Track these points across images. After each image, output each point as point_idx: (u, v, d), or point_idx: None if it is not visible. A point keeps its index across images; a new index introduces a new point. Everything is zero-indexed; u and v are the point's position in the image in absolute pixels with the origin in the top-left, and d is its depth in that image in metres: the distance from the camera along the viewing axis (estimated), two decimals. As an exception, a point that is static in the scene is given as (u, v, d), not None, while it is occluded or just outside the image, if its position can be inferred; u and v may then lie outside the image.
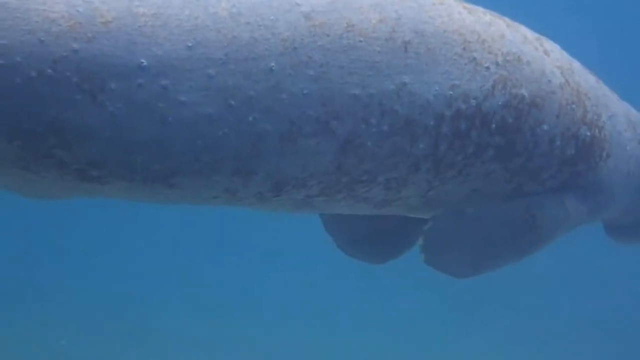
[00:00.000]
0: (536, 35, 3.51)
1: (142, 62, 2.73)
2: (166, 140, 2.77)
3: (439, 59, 3.09)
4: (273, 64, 2.85)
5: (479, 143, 3.19)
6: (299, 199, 3.12)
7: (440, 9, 3.20)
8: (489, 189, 3.33)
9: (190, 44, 2.78)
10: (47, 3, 2.71)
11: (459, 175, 3.23)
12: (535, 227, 3.42)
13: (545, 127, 3.30)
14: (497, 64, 3.21)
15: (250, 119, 2.83)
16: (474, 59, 3.16)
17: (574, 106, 3.39)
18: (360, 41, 2.97)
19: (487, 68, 3.18)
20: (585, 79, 3.54)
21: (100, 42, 2.70)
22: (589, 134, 3.44)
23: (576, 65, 3.57)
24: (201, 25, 2.82)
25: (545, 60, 3.39)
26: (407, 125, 3.03)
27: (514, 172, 3.32)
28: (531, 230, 3.42)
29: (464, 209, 3.38)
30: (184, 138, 2.78)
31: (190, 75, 2.77)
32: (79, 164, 2.76)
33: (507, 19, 3.44)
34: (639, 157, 3.72)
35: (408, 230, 3.75)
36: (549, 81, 3.34)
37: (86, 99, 2.68)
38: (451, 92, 3.09)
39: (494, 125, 3.19)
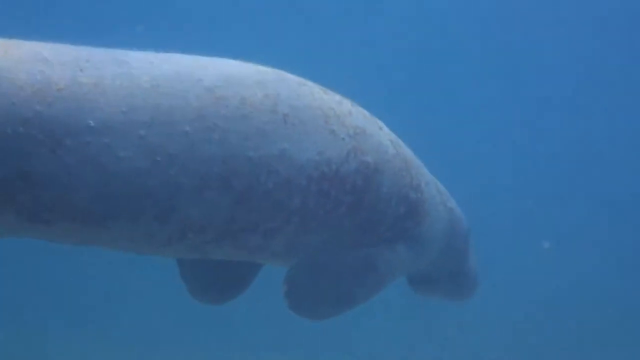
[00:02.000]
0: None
1: (90, 123, 3.35)
2: (107, 188, 3.38)
3: (308, 129, 3.86)
4: (188, 128, 3.54)
5: (336, 200, 3.96)
6: (195, 245, 3.76)
7: (304, 89, 3.99)
8: (338, 239, 4.07)
9: (124, 109, 3.43)
10: (13, 71, 3.29)
11: (318, 227, 3.98)
12: (376, 270, 4.20)
13: (385, 189, 4.11)
14: (350, 136, 4.01)
15: (171, 172, 3.49)
16: (333, 130, 3.97)
17: (404, 173, 4.23)
18: (252, 112, 3.71)
19: (343, 139, 3.98)
20: (408, 151, 4.42)
21: (58, 105, 3.30)
22: (415, 196, 4.29)
23: (399, 139, 4.44)
24: (131, 94, 3.48)
25: (381, 133, 4.23)
26: (286, 184, 3.77)
27: (359, 225, 4.10)
28: (372, 272, 4.19)
29: (317, 258, 4.08)
30: (121, 187, 3.41)
31: (126, 135, 3.41)
32: (35, 207, 3.32)
33: (348, 100, 4.27)
34: (445, 218, 4.62)
35: (244, 274, 4.42)
36: (386, 151, 4.15)
37: (48, 152, 3.28)
38: (318, 158, 3.86)
39: (348, 186, 3.98)
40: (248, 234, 3.80)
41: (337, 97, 4.14)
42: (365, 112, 4.28)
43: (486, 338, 10.43)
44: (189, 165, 3.53)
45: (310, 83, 4.08)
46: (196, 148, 3.54)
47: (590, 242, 12.93)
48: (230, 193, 3.64)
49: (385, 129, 4.32)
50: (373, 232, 4.16)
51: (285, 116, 3.80)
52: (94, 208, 3.40)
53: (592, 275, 12.26)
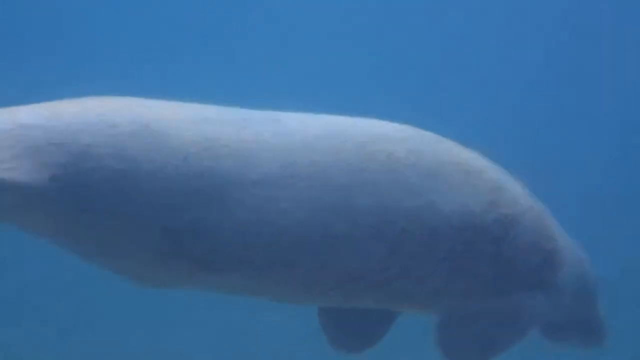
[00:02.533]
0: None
1: (254, 177, 3.54)
2: (271, 238, 3.56)
3: (451, 183, 4.00)
4: (343, 181, 3.72)
5: (477, 250, 4.07)
6: (349, 293, 3.92)
7: (444, 145, 4.17)
8: (479, 287, 4.22)
9: (284, 164, 3.63)
10: (183, 130, 3.51)
11: (462, 275, 4.09)
12: (519, 319, 4.28)
13: (521, 239, 4.22)
14: (488, 189, 4.14)
15: (329, 223, 3.66)
16: (474, 184, 4.10)
17: (538, 224, 4.33)
18: (399, 166, 3.88)
19: (482, 192, 4.10)
20: (539, 203, 4.53)
21: (226, 161, 3.50)
22: (550, 246, 4.39)
23: (530, 192, 4.57)
24: (289, 151, 3.68)
25: (515, 187, 4.36)
26: (434, 233, 3.90)
27: (498, 274, 4.21)
28: (516, 321, 4.29)
29: (467, 307, 4.20)
30: (283, 237, 3.58)
31: (286, 188, 3.60)
32: (206, 257, 3.50)
33: (482, 155, 4.43)
34: (577, 266, 4.70)
35: (381, 323, 4.51)
36: (521, 204, 4.28)
37: (217, 205, 3.48)
38: (461, 210, 3.99)
39: (488, 237, 4.10)
40: (400, 281, 3.94)
41: (473, 153, 4.31)
42: (498, 167, 4.43)
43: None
44: (345, 217, 3.69)
45: (447, 140, 4.25)
46: (351, 200, 3.71)
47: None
48: (384, 242, 3.79)
49: (518, 183, 4.46)
50: (511, 281, 4.26)
51: (429, 170, 3.97)
52: (258, 257, 3.58)
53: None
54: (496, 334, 4.27)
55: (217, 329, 9.65)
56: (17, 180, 3.27)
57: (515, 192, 4.30)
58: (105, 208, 3.39)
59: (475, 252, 4.07)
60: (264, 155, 3.61)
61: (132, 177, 3.39)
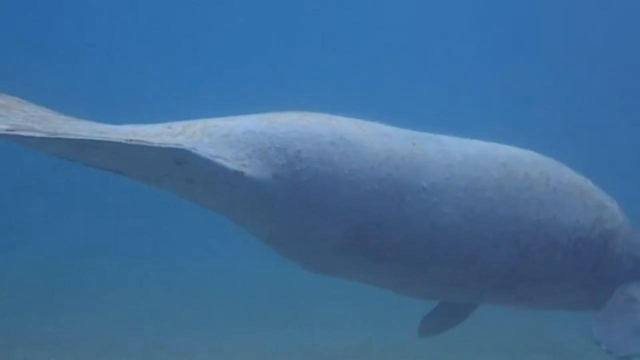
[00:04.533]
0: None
1: (424, 185, 4.23)
2: (434, 236, 4.25)
3: (570, 201, 4.71)
4: (491, 194, 4.41)
5: (584, 258, 4.76)
6: (480, 289, 4.62)
7: (563, 169, 4.86)
8: (581, 289, 4.90)
9: (447, 176, 4.32)
10: (369, 143, 4.20)
11: (568, 280, 4.78)
12: None
13: (618, 249, 4.93)
14: (595, 207, 4.85)
15: (478, 228, 4.35)
16: (585, 203, 4.80)
17: (631, 236, 5.04)
18: (532, 184, 4.58)
19: (591, 209, 4.81)
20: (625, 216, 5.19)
21: (403, 170, 4.20)
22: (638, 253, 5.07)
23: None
24: (450, 165, 4.37)
25: (612, 205, 5.04)
26: (554, 243, 4.60)
27: (599, 278, 4.90)
28: None
29: (616, 303, 4.90)
30: (442, 236, 4.27)
31: (448, 196, 4.29)
32: (380, 250, 4.20)
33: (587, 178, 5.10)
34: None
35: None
36: (619, 219, 4.99)
37: (395, 206, 4.17)
38: (576, 224, 4.70)
39: (594, 247, 4.79)
40: (522, 282, 4.65)
41: (581, 176, 4.99)
42: (599, 188, 5.13)
43: None
44: (491, 224, 4.38)
45: (564, 165, 4.95)
46: (496, 210, 4.41)
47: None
48: (518, 247, 4.49)
49: (612, 199, 5.15)
50: (609, 284, 4.99)
51: (555, 189, 4.67)
52: (420, 251, 4.27)
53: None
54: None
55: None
56: (252, 175, 3.96)
57: (614, 209, 5.01)
58: (312, 202, 4.06)
59: (581, 261, 4.78)
60: (430, 168, 4.29)
61: (333, 178, 4.07)
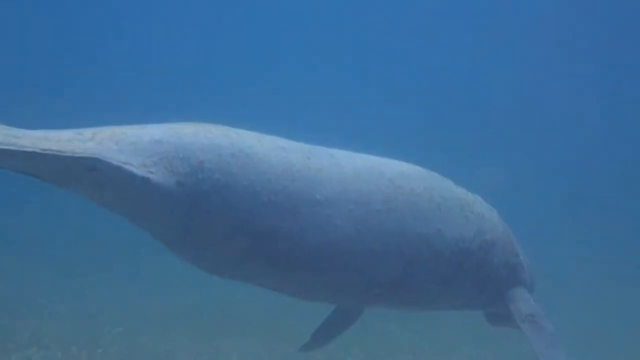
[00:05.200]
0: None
1: (318, 197, 4.55)
2: (326, 247, 4.58)
3: (453, 215, 5.07)
4: (379, 207, 4.73)
5: (466, 269, 5.14)
6: (370, 296, 4.99)
7: (446, 183, 5.24)
8: (464, 294, 5.30)
9: (339, 190, 4.63)
10: (267, 156, 4.51)
11: (452, 288, 5.19)
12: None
13: (496, 259, 5.32)
14: (476, 219, 5.22)
15: (368, 240, 4.66)
16: (467, 216, 5.17)
17: (509, 244, 5.47)
18: (418, 200, 4.92)
19: (472, 222, 5.19)
20: (506, 226, 5.59)
21: (298, 183, 4.52)
22: (515, 260, 5.52)
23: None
24: (342, 180, 4.69)
25: (492, 215, 5.44)
26: (438, 255, 4.95)
27: (477, 286, 5.29)
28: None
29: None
30: (334, 247, 4.59)
31: (340, 209, 4.61)
32: (277, 257, 4.51)
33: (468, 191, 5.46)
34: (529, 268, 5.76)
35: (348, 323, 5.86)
36: (498, 229, 5.39)
37: (290, 217, 4.47)
38: (458, 237, 5.06)
39: (473, 258, 5.16)
40: (409, 291, 5.02)
41: (463, 189, 5.37)
42: (480, 198, 5.51)
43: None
44: (378, 236, 4.72)
45: (446, 179, 5.32)
46: (384, 223, 4.74)
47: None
48: (403, 259, 4.84)
49: (492, 210, 5.55)
50: (487, 291, 5.40)
51: (439, 204, 5.03)
52: (315, 260, 4.59)
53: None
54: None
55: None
56: (157, 182, 4.22)
57: (493, 220, 5.41)
58: (211, 209, 4.34)
59: (463, 272, 5.16)
60: (325, 181, 4.61)
61: (232, 188, 4.36)
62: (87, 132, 4.27)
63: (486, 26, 28.47)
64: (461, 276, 5.18)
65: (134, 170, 4.18)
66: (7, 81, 22.94)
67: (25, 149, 3.86)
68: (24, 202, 15.47)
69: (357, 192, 4.72)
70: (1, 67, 24.99)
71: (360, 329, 6.23)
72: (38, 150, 3.88)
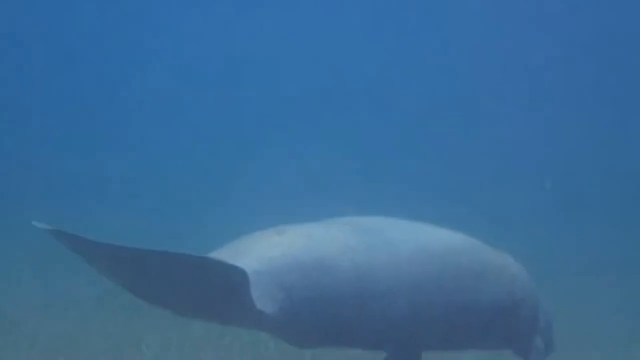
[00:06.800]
0: None
1: (380, 288, 5.38)
2: (386, 326, 5.48)
3: (491, 283, 5.94)
4: (429, 287, 5.57)
5: (500, 325, 6.06)
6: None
7: (486, 252, 6.11)
8: (499, 342, 6.25)
9: (396, 279, 5.46)
10: (337, 262, 5.33)
11: (489, 337, 6.11)
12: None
13: (524, 313, 6.18)
14: (508, 282, 6.09)
15: (420, 315, 5.54)
16: (502, 282, 6.06)
17: (534, 300, 6.32)
18: (462, 274, 5.78)
19: (505, 285, 6.06)
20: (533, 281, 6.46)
21: (364, 282, 5.37)
22: (538, 314, 6.43)
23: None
24: (397, 266, 5.51)
25: (521, 274, 6.29)
26: (477, 316, 5.85)
27: (509, 335, 6.20)
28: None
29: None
30: (395, 326, 5.48)
31: (399, 295, 5.45)
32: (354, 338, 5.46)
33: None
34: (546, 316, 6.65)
35: None
36: (527, 288, 6.26)
37: (359, 310, 5.33)
38: (494, 299, 5.97)
39: (506, 315, 6.05)
40: (451, 344, 5.99)
41: (498, 252, 6.20)
42: (511, 259, 6.31)
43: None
44: (430, 309, 5.55)
45: (485, 245, 6.12)
46: (433, 300, 5.57)
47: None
48: (449, 324, 5.69)
49: (522, 268, 6.37)
50: (512, 336, 6.27)
51: (479, 275, 5.85)
52: (380, 335, 5.47)
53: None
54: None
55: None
56: (267, 310, 5.00)
57: (522, 279, 6.25)
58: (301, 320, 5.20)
59: (496, 325, 6.03)
60: (382, 273, 5.39)
61: (320, 302, 5.20)
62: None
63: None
64: (494, 329, 6.05)
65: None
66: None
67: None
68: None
69: (410, 277, 5.49)
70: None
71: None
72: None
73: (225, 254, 5.21)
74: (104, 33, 31.17)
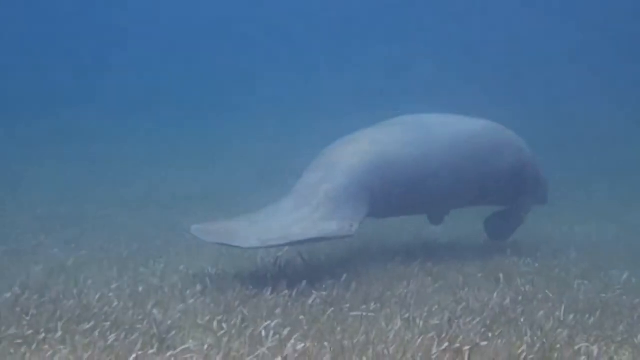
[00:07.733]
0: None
1: (433, 167, 7.87)
2: (440, 192, 8.05)
3: (508, 155, 8.46)
4: (466, 164, 8.05)
5: (511, 183, 8.51)
6: (461, 204, 8.50)
7: (505, 132, 8.61)
8: (510, 197, 8.69)
9: (441, 160, 7.95)
10: (402, 150, 7.54)
11: (505, 192, 8.59)
12: (526, 209, 8.91)
13: (530, 174, 8.72)
14: (517, 151, 8.61)
15: (461, 183, 8.06)
16: (513, 151, 8.57)
17: (537, 163, 8.82)
18: (488, 153, 8.31)
19: (515, 153, 8.57)
20: (534, 153, 8.86)
21: (420, 168, 7.83)
22: (540, 175, 8.91)
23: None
24: (443, 153, 7.96)
25: (524, 145, 8.70)
26: (497, 179, 8.35)
27: (517, 191, 8.64)
28: (525, 209, 8.89)
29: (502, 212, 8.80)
30: (446, 190, 8.03)
31: (446, 171, 7.88)
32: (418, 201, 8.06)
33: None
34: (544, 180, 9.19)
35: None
36: (529, 154, 8.74)
37: (422, 184, 7.84)
38: (508, 165, 8.50)
39: (517, 176, 8.52)
40: (482, 198, 8.44)
41: (511, 132, 8.63)
42: (517, 136, 8.75)
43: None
44: (464, 179, 8.05)
45: (504, 127, 8.59)
46: (468, 173, 8.06)
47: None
48: (478, 186, 8.20)
49: (525, 143, 8.75)
50: (521, 193, 8.69)
51: (500, 152, 8.33)
52: (433, 199, 7.98)
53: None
54: (517, 218, 8.81)
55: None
56: (362, 216, 7.27)
57: (526, 150, 8.66)
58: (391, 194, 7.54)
59: (510, 183, 8.46)
60: (434, 157, 7.77)
61: (390, 187, 7.54)
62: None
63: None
64: (510, 187, 8.46)
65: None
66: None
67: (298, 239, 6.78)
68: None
69: (452, 159, 7.86)
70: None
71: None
72: (305, 238, 6.84)
73: (320, 172, 7.28)
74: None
